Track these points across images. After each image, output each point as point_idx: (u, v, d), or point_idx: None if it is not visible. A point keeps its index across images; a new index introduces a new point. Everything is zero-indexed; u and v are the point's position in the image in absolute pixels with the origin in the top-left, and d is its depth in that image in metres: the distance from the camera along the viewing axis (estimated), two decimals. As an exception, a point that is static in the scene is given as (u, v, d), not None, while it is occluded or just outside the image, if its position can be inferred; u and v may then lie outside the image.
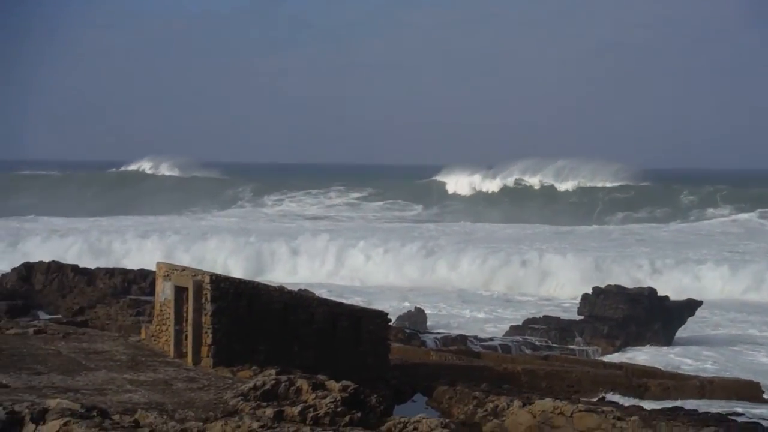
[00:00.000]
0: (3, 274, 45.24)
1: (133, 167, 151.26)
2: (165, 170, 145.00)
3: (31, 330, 28.40)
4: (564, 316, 43.68)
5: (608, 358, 36.74)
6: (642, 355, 38.44)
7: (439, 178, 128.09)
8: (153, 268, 31.92)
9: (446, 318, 45.41)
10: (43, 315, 38.70)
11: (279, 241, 65.30)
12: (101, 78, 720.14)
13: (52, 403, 16.22)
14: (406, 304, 46.59)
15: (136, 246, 65.77)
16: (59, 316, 37.80)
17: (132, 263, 53.26)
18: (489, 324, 44.22)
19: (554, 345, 38.74)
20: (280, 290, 24.88)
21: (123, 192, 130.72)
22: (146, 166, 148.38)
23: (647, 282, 49.19)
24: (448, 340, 36.46)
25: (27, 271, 44.34)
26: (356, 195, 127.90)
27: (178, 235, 70.51)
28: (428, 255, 60.38)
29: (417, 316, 42.78)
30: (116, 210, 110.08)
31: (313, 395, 17.88)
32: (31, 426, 15.26)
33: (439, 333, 38.74)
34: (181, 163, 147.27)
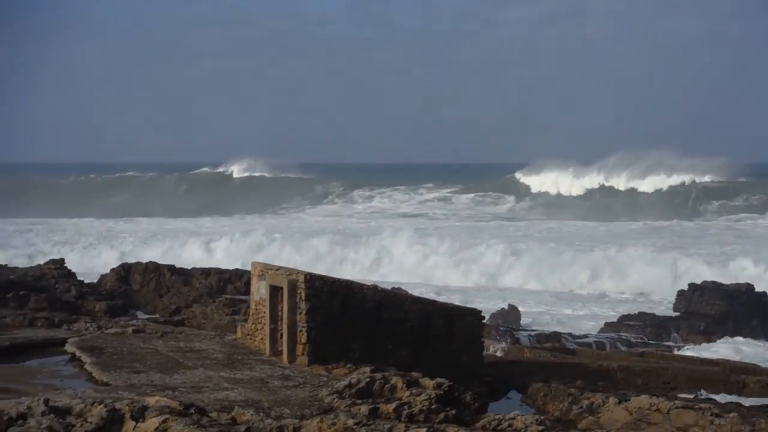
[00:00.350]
0: (102, 275, 46.01)
1: (222, 169, 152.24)
2: (256, 171, 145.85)
3: (129, 329, 28.88)
4: (659, 312, 43.21)
5: (705, 355, 36.17)
6: (740, 352, 37.78)
7: (530, 173, 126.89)
8: (247, 267, 32.29)
9: (539, 315, 45.14)
10: (141, 314, 39.29)
11: (367, 239, 65.42)
12: (191, 79, 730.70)
13: (151, 400, 16.46)
14: (499, 302, 46.39)
15: (225, 246, 66.25)
16: (157, 316, 38.40)
17: (225, 263, 53.81)
18: (583, 321, 43.86)
19: (650, 342, 38.29)
20: (374, 288, 24.93)
21: (214, 192, 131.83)
22: (236, 167, 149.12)
23: (743, 278, 48.32)
24: (542, 338, 36.26)
25: (125, 271, 45.06)
26: (447, 191, 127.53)
27: (268, 234, 70.98)
28: (520, 254, 60.03)
29: (510, 314, 42.61)
30: (207, 210, 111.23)
31: (408, 392, 17.90)
32: (131, 423, 15.50)
33: (533, 330, 38.55)
34: (271, 164, 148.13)
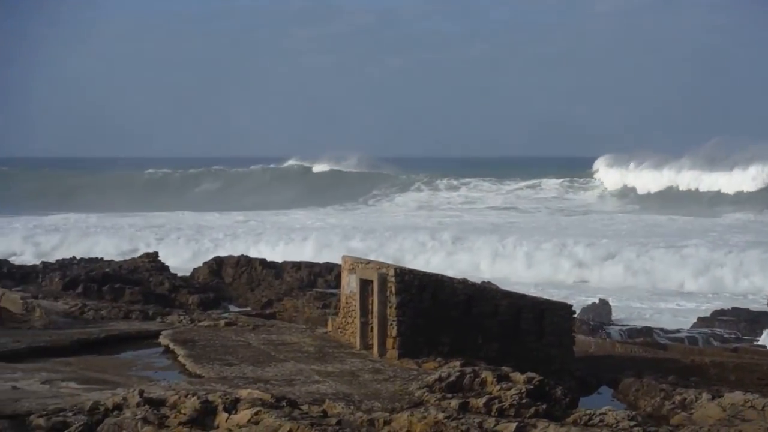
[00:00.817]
0: (195, 268, 46.52)
1: (308, 162, 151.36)
2: (344, 164, 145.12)
3: (222, 322, 29.24)
4: (753, 308, 42.54)
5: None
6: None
7: (619, 164, 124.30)
8: (337, 260, 32.41)
9: (630, 310, 44.71)
10: (233, 307, 39.69)
11: (454, 235, 65.20)
12: (283, 74, 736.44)
13: (243, 393, 16.63)
14: (590, 297, 46.03)
15: (314, 239, 66.15)
16: (248, 309, 38.75)
17: (315, 256, 54.06)
18: (675, 316, 43.35)
19: (744, 337, 37.69)
20: (463, 282, 24.92)
21: (301, 185, 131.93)
22: (324, 161, 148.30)
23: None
24: (634, 332, 35.92)
25: (217, 264, 45.48)
26: (534, 180, 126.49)
27: (356, 228, 71.12)
28: (610, 249, 59.39)
29: (601, 309, 42.24)
30: (295, 203, 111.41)
31: (498, 387, 17.86)
32: (224, 415, 15.66)
33: (624, 325, 38.21)
34: (360, 158, 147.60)
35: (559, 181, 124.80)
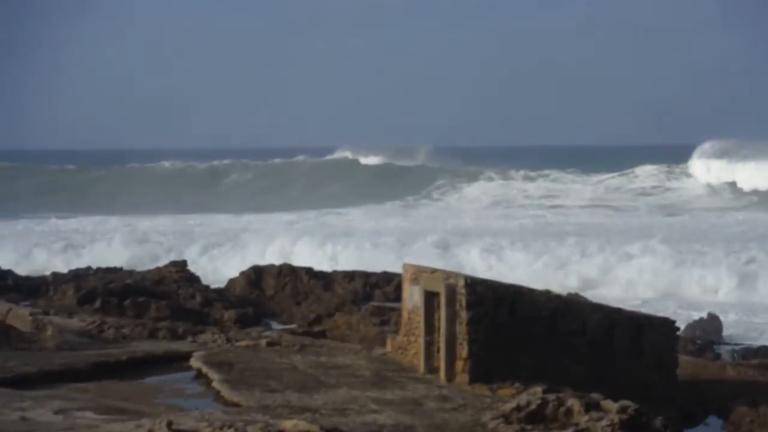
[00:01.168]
0: (230, 279, 46.48)
1: (356, 155, 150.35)
2: (399, 157, 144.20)
3: (263, 342, 29.40)
4: None
5: None
6: None
7: (723, 156, 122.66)
8: (398, 269, 32.38)
9: (745, 327, 44.30)
10: (275, 324, 39.84)
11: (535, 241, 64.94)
12: (332, 53, 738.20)
13: (288, 424, 16.78)
14: (696, 311, 45.68)
15: (367, 243, 65.78)
16: (294, 326, 38.80)
17: (370, 264, 54.00)
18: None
19: None
20: (547, 294, 24.90)
21: (347, 181, 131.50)
22: (378, 152, 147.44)
23: None
24: (749, 353, 35.67)
25: (257, 275, 45.43)
26: (626, 170, 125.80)
27: (416, 228, 71.01)
28: (720, 255, 58.82)
29: (710, 325, 41.90)
30: (345, 201, 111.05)
31: (586, 417, 17.89)
32: (268, 450, 15.83)
33: (737, 344, 37.96)
34: (420, 149, 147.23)
35: (656, 166, 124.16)
